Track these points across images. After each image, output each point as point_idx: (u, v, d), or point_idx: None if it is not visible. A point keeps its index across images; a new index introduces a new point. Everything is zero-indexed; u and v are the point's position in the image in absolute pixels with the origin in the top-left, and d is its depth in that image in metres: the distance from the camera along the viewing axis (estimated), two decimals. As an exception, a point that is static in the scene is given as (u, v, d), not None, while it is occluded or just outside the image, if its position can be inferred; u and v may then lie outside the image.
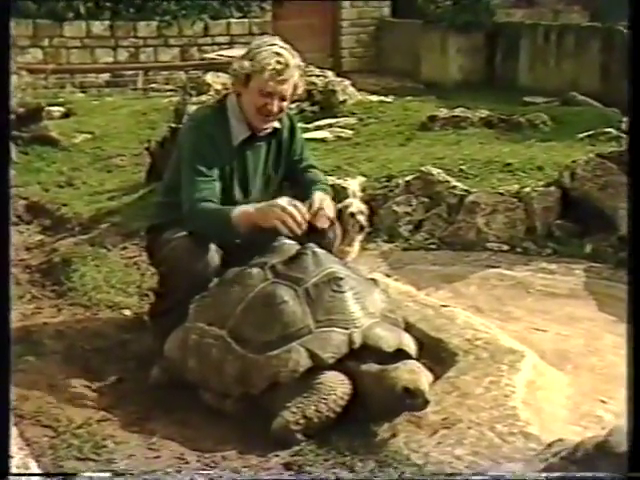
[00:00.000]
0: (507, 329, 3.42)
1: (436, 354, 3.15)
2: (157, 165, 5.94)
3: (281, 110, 3.36)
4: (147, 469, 2.66)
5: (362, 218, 3.69)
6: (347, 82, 8.26)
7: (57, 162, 7.48)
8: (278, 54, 3.27)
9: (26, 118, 7.76)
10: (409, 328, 3.18)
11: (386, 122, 7.45)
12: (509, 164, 5.36)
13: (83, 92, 13.51)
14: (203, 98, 7.35)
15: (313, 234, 3.25)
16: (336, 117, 7.56)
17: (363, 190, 5.00)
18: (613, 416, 2.77)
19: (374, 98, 8.53)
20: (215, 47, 15.24)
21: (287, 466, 2.67)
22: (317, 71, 8.15)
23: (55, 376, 3.34)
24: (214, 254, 3.25)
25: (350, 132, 7.12)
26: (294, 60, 3.31)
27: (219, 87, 7.58)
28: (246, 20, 16.68)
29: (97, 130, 8.62)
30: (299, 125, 3.68)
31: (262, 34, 12.14)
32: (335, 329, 2.90)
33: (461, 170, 5.31)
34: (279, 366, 2.85)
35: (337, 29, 17.81)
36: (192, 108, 5.87)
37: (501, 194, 4.75)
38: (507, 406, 2.80)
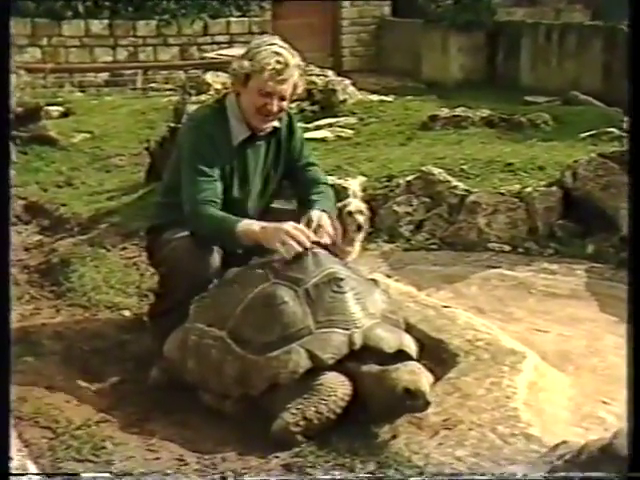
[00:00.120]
0: (508, 330, 3.41)
1: (437, 355, 3.14)
2: (156, 165, 5.93)
3: (281, 110, 3.34)
4: (146, 470, 2.65)
5: (360, 217, 3.67)
6: (347, 81, 8.23)
7: (56, 162, 7.47)
8: (278, 54, 3.25)
9: (25, 118, 7.75)
10: (410, 329, 3.16)
11: (387, 122, 7.42)
12: (510, 164, 5.34)
13: (82, 91, 13.53)
14: (202, 97, 7.35)
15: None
16: (336, 117, 7.53)
17: (364, 190, 4.99)
18: (615, 417, 2.76)
19: (374, 97, 8.50)
20: (214, 46, 15.27)
21: (287, 467, 2.65)
22: (317, 70, 8.13)
23: (54, 377, 3.33)
24: (215, 255, 3.23)
25: (350, 132, 7.09)
26: (294, 60, 3.29)
27: (218, 86, 7.59)
28: (246, 19, 16.69)
29: (96, 130, 8.61)
30: (299, 124, 3.66)
31: (262, 33, 12.19)
32: (335, 330, 2.88)
33: (462, 170, 5.29)
34: (279, 367, 2.84)
35: (337, 28, 17.81)
36: (191, 108, 5.86)
37: (502, 194, 4.74)
38: (508, 407, 2.79)
